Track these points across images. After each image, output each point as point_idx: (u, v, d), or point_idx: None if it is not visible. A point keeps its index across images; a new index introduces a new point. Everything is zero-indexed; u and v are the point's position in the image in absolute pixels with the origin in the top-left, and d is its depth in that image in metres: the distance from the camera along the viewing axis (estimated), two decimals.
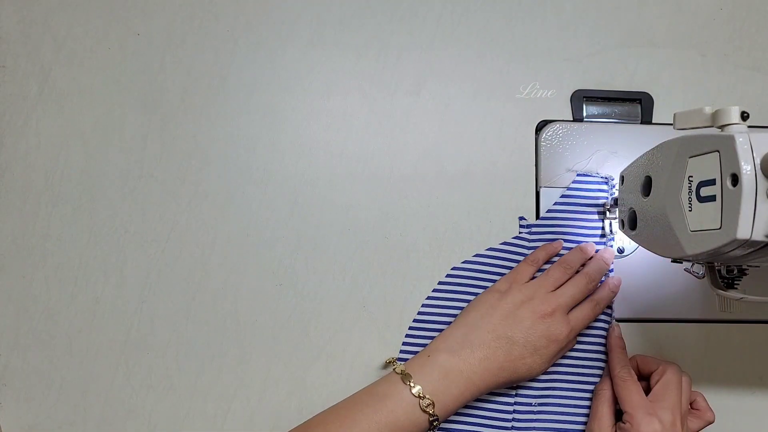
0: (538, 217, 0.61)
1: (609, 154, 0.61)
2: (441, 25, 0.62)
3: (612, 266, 0.59)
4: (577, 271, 0.58)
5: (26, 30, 0.60)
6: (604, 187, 0.60)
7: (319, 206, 0.60)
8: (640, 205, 0.50)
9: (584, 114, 0.62)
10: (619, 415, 0.54)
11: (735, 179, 0.39)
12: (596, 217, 0.60)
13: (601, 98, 0.62)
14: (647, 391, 0.55)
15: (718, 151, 0.41)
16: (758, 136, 0.39)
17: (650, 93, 0.63)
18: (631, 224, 0.52)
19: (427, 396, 0.50)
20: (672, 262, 0.52)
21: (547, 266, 0.59)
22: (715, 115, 0.43)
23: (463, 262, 0.60)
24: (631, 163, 0.53)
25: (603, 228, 0.60)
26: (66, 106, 0.60)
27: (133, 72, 0.60)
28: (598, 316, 0.58)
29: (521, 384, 0.58)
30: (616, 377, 0.55)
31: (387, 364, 0.59)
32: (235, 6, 0.61)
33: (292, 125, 0.61)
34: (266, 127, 0.60)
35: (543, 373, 0.56)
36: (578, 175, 0.60)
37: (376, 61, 0.61)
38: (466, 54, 0.62)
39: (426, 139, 0.61)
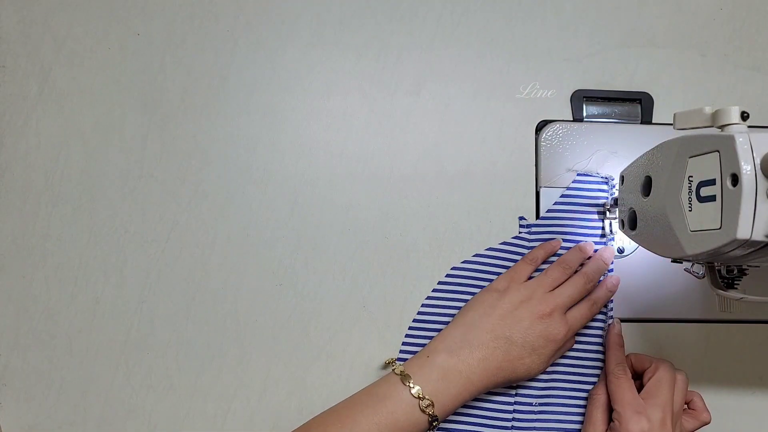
0: (538, 217, 0.61)
1: (609, 154, 0.61)
2: (441, 25, 0.62)
3: (612, 266, 0.59)
4: (576, 271, 0.58)
5: (26, 30, 0.60)
6: (604, 187, 0.60)
7: (319, 206, 0.60)
8: (640, 205, 0.50)
9: (584, 114, 0.62)
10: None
11: (735, 179, 0.39)
12: (596, 217, 0.60)
13: (601, 98, 0.62)
14: (641, 389, 0.55)
15: (718, 151, 0.41)
16: (758, 136, 0.39)
17: (650, 93, 0.63)
18: (631, 224, 0.52)
19: (426, 396, 0.50)
20: (672, 262, 0.52)
21: (545, 266, 0.59)
22: (715, 115, 0.43)
23: (462, 262, 0.60)
24: (631, 163, 0.53)
25: (603, 228, 0.60)
26: (66, 106, 0.60)
27: (133, 72, 0.60)
28: (595, 315, 0.58)
29: (521, 384, 0.58)
30: (610, 374, 0.55)
31: (386, 365, 0.59)
32: (235, 6, 0.61)
33: (292, 125, 0.61)
34: (266, 127, 0.60)
35: (543, 373, 0.57)
36: (578, 174, 0.60)
37: (376, 61, 0.61)
38: (466, 54, 0.62)
39: (426, 139, 0.61)
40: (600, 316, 0.59)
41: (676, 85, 0.63)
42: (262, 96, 0.61)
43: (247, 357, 0.59)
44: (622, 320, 0.59)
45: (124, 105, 0.60)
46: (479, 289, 0.58)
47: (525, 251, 0.60)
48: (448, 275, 0.60)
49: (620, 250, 0.60)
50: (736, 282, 0.48)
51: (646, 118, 0.62)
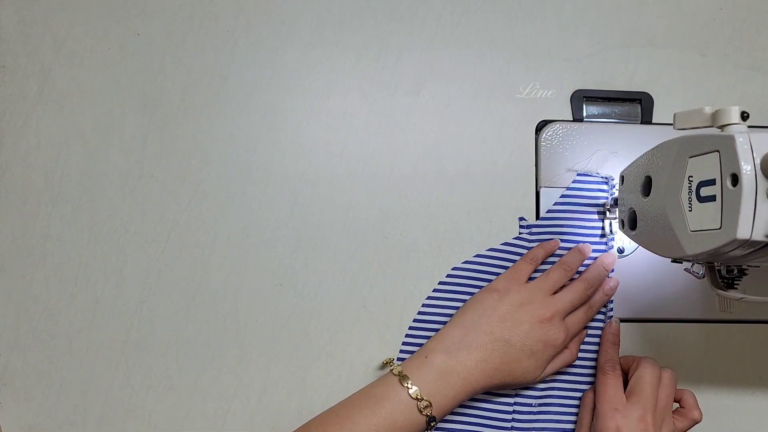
0: (538, 217, 0.61)
1: (609, 154, 0.61)
2: (441, 25, 0.62)
3: (612, 270, 0.59)
4: (578, 273, 0.57)
5: (26, 30, 0.60)
6: (604, 187, 0.60)
7: (319, 206, 0.60)
8: (640, 205, 0.50)
9: (584, 114, 0.62)
10: None
11: (735, 179, 0.39)
12: (596, 217, 0.60)
13: (601, 98, 0.62)
14: None
15: (718, 151, 0.41)
16: (758, 136, 0.39)
17: (650, 93, 0.63)
18: (631, 224, 0.52)
19: (424, 397, 0.50)
20: (672, 262, 0.52)
21: (545, 266, 0.59)
22: (715, 115, 0.43)
23: (463, 263, 0.60)
24: (631, 163, 0.53)
25: (603, 228, 0.60)
26: (66, 106, 0.60)
27: (133, 72, 0.60)
28: (591, 319, 0.58)
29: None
30: (599, 371, 0.55)
31: (384, 365, 0.59)
32: (235, 6, 0.61)
33: (292, 125, 0.61)
34: (266, 127, 0.60)
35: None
36: (578, 174, 0.60)
37: (376, 61, 0.61)
38: (466, 54, 0.62)
39: (426, 139, 0.61)
40: (600, 317, 0.59)
41: (676, 85, 0.63)
42: (262, 96, 0.61)
43: (247, 357, 0.59)
44: (622, 320, 0.59)
45: (124, 105, 0.60)
46: (479, 290, 0.58)
47: (525, 252, 0.60)
48: (448, 275, 0.60)
49: (620, 250, 0.60)
50: (736, 282, 0.48)
51: (646, 118, 0.62)
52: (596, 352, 0.59)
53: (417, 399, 0.50)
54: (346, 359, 0.59)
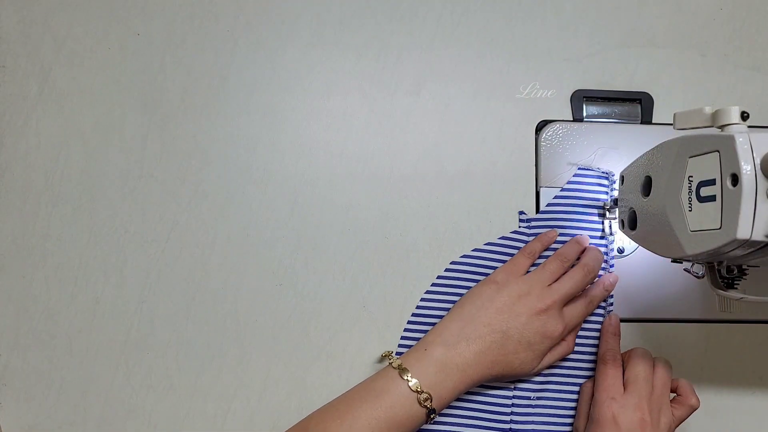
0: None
1: (609, 150, 0.61)
2: (441, 25, 0.62)
3: (612, 267, 0.59)
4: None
5: (26, 30, 0.60)
6: (605, 182, 0.60)
7: (319, 206, 0.60)
8: (640, 205, 0.50)
9: (584, 114, 0.62)
10: None
11: (735, 179, 0.39)
12: (596, 211, 0.60)
13: (601, 98, 0.62)
14: None
15: (718, 151, 0.41)
16: (758, 136, 0.39)
17: (650, 93, 0.63)
18: (631, 224, 0.52)
19: (424, 390, 0.50)
20: (672, 262, 0.52)
21: (541, 260, 0.59)
22: (715, 115, 0.43)
23: (461, 257, 0.60)
24: (631, 163, 0.53)
25: (603, 225, 0.60)
26: (66, 106, 0.60)
27: (133, 72, 0.60)
28: (591, 313, 0.58)
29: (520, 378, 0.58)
30: (598, 361, 0.56)
31: (383, 358, 0.59)
32: (235, 6, 0.61)
33: (292, 125, 0.61)
34: (266, 127, 0.60)
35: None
36: (579, 169, 0.60)
37: (376, 61, 0.61)
38: (466, 54, 0.62)
39: (426, 139, 0.61)
40: (599, 311, 0.59)
41: (676, 85, 0.63)
42: (262, 96, 0.61)
43: (247, 357, 0.59)
44: (622, 320, 0.59)
45: (124, 105, 0.60)
46: (477, 283, 0.58)
47: (523, 246, 0.60)
48: (447, 269, 0.60)
49: (620, 250, 0.60)
50: (736, 282, 0.48)
51: (646, 118, 0.62)
52: (595, 345, 0.59)
53: (417, 392, 0.50)
54: (346, 359, 0.59)
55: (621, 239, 0.60)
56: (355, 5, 0.62)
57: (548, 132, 0.61)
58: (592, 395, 0.55)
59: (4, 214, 0.59)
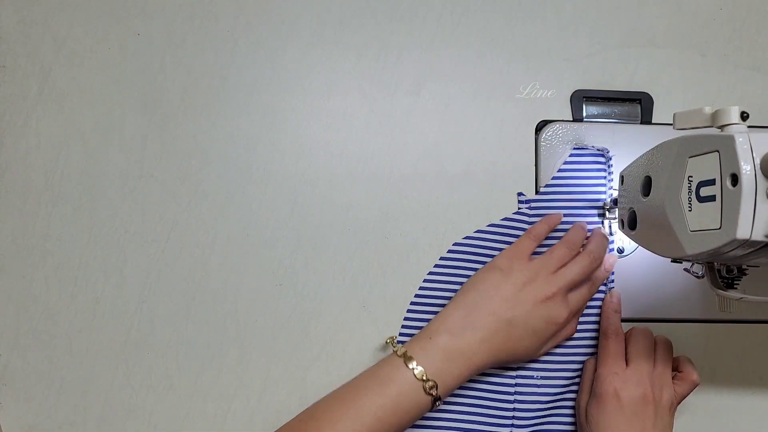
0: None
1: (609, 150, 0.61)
2: (441, 25, 0.62)
3: (613, 275, 0.59)
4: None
5: (26, 30, 0.60)
6: (601, 158, 0.60)
7: (319, 206, 0.60)
8: (640, 205, 0.50)
9: (584, 114, 0.62)
10: None
11: (735, 179, 0.39)
12: (595, 188, 0.60)
13: (601, 98, 0.62)
14: None
15: (717, 151, 0.41)
16: (758, 136, 0.39)
17: (650, 93, 0.63)
18: (631, 224, 0.52)
19: (430, 378, 0.50)
20: (672, 262, 0.52)
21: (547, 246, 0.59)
22: (715, 115, 0.43)
23: (464, 238, 0.60)
24: (631, 163, 0.53)
25: (603, 200, 0.60)
26: (66, 106, 0.60)
27: (133, 72, 0.60)
28: (593, 295, 0.58)
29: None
30: (601, 336, 0.56)
31: (386, 344, 0.58)
32: (235, 6, 0.61)
33: (292, 125, 0.61)
34: (266, 127, 0.60)
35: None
36: (575, 149, 0.61)
37: (376, 61, 0.61)
38: (466, 54, 0.62)
39: (426, 139, 0.61)
40: (602, 287, 0.59)
41: (676, 85, 0.63)
42: (262, 96, 0.61)
43: (247, 357, 0.59)
44: (622, 320, 0.59)
45: (124, 105, 0.60)
46: (481, 265, 0.58)
47: (526, 226, 0.60)
48: (449, 251, 0.60)
49: (620, 250, 0.60)
50: (736, 282, 0.48)
51: (646, 118, 0.62)
52: (597, 323, 0.59)
53: (423, 380, 0.50)
54: (346, 359, 0.59)
55: (621, 239, 0.60)
56: (355, 5, 0.62)
57: (548, 132, 0.61)
58: (595, 371, 0.55)
59: (4, 214, 0.59)
